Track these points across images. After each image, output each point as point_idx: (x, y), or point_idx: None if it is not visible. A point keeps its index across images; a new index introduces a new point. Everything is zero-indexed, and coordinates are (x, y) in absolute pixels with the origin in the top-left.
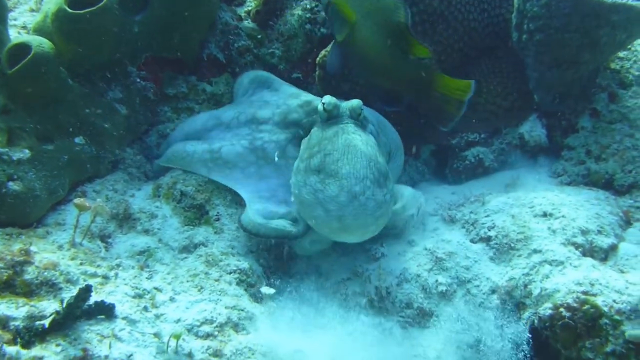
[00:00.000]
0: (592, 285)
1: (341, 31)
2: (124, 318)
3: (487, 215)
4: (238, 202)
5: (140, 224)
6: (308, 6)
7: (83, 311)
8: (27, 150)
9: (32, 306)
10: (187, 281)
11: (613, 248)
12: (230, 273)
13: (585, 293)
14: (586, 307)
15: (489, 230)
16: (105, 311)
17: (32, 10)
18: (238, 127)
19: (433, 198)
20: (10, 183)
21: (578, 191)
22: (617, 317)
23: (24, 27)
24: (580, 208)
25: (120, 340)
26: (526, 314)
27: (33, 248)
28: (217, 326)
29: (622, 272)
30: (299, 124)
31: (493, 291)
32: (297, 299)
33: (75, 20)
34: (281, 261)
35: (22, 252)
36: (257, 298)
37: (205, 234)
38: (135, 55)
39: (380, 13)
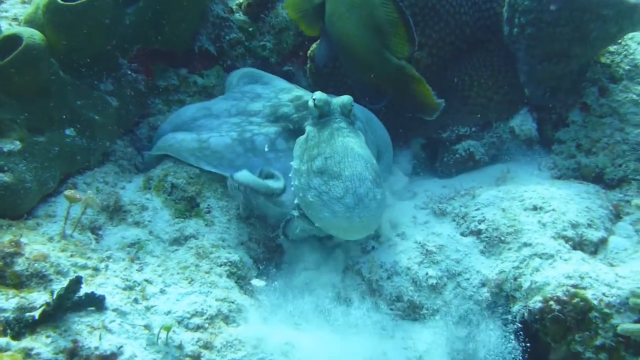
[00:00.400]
0: (582, 278)
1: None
2: (114, 310)
3: (478, 209)
4: (229, 194)
5: (130, 216)
6: None
7: (73, 303)
8: (17, 142)
9: (22, 297)
10: (178, 273)
11: (603, 241)
12: (220, 265)
13: (575, 286)
14: (576, 300)
15: (480, 224)
16: (96, 303)
17: (24, 2)
18: (228, 118)
19: (424, 191)
20: (1, 174)
21: (568, 185)
22: (606, 310)
23: (15, 19)
24: (570, 202)
25: (111, 332)
26: (516, 307)
27: (23, 239)
28: (207, 318)
29: (612, 265)
30: (288, 118)
31: (483, 284)
32: (288, 291)
33: (67, 12)
34: (272, 253)
35: (13, 243)
36: (248, 290)
37: (196, 226)
38: (126, 48)
39: (365, 7)
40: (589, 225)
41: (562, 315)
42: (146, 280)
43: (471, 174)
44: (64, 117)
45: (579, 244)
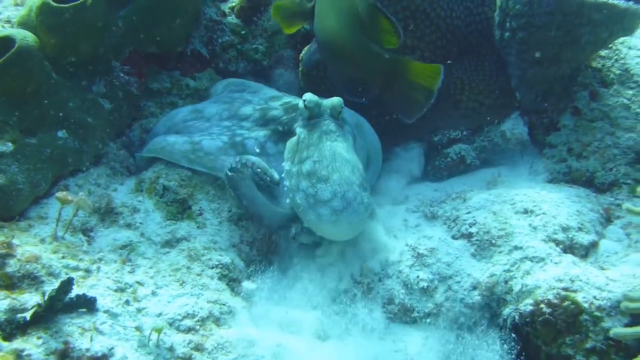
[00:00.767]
0: (573, 281)
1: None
2: (105, 311)
3: (469, 212)
4: (221, 197)
5: (122, 218)
6: None
7: (65, 304)
8: (10, 144)
9: (13, 299)
10: (169, 275)
11: (594, 245)
12: (212, 268)
13: (565, 289)
14: (566, 303)
15: (471, 227)
16: (87, 304)
17: (17, 5)
18: (220, 121)
19: (415, 195)
20: None
21: (559, 188)
22: (597, 313)
23: (8, 22)
24: (561, 205)
25: (102, 334)
26: (507, 310)
27: (15, 241)
28: (198, 320)
29: (602, 268)
30: (278, 120)
31: (474, 287)
32: (279, 295)
33: (60, 14)
34: (265, 255)
35: (4, 244)
36: (239, 292)
37: (187, 228)
38: (119, 50)
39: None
40: (580, 229)
41: (552, 318)
42: (138, 282)
43: (462, 177)
44: (57, 119)
45: (569, 248)
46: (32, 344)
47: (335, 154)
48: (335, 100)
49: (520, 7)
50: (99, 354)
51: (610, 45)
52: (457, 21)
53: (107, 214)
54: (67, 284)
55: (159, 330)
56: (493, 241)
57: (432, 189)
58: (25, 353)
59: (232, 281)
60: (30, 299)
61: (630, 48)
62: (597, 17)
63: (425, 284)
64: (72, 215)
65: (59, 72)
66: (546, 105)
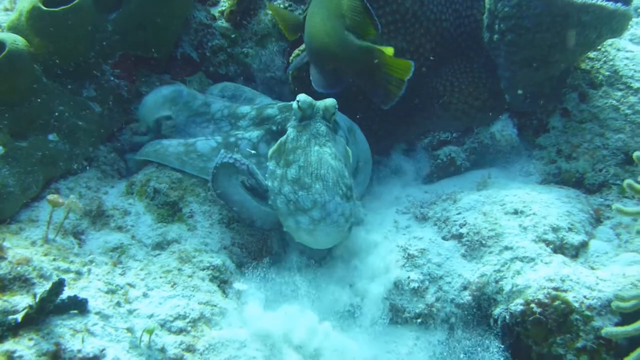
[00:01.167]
0: (563, 281)
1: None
2: (97, 313)
3: (459, 213)
4: (212, 199)
5: (113, 221)
6: (282, 6)
7: (56, 306)
8: (0, 147)
9: (4, 301)
10: (160, 277)
11: (584, 245)
12: (203, 269)
13: (556, 289)
14: (557, 302)
15: (461, 228)
16: (78, 306)
17: (7, 10)
18: (220, 120)
19: (405, 196)
20: None
21: (549, 189)
22: (587, 312)
23: None
24: (551, 206)
25: (93, 335)
26: (497, 310)
27: (6, 244)
28: (190, 321)
29: (592, 268)
30: (272, 119)
31: (465, 288)
32: (270, 296)
33: (50, 18)
34: (257, 257)
35: None
36: (230, 294)
37: (178, 230)
38: (109, 54)
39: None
40: (570, 229)
41: (543, 318)
42: (129, 284)
43: (452, 179)
44: (47, 122)
45: (559, 248)
46: (24, 346)
47: (322, 161)
48: (328, 101)
49: (509, 9)
50: (91, 355)
51: (599, 47)
52: (446, 24)
53: (98, 216)
54: (59, 285)
55: (150, 332)
56: (483, 242)
57: (422, 190)
58: (16, 354)
59: (223, 283)
60: (22, 301)
61: (618, 50)
62: (586, 18)
63: (416, 285)
64: (63, 218)
65: (50, 76)
66: (535, 107)
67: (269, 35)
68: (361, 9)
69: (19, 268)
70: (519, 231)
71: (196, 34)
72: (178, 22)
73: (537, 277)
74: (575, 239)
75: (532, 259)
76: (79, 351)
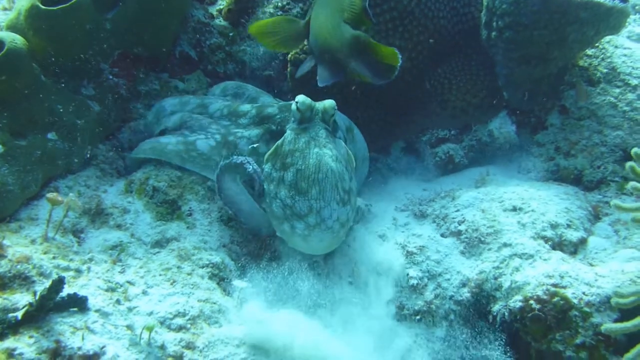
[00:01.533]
0: (562, 277)
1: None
2: (96, 311)
3: (458, 210)
4: (211, 197)
5: (112, 219)
6: (279, 4)
7: (56, 304)
8: (0, 146)
9: (5, 299)
10: (160, 275)
11: (582, 242)
12: (202, 267)
13: (555, 285)
14: (556, 299)
15: (460, 225)
16: (78, 304)
17: (5, 9)
18: (220, 119)
19: (404, 194)
20: None
21: (547, 186)
22: (586, 309)
23: None
24: (549, 202)
25: (93, 333)
26: (496, 307)
27: (6, 242)
28: (189, 319)
29: (591, 265)
30: (272, 118)
31: (463, 284)
32: (269, 293)
33: (48, 17)
34: (256, 255)
35: None
36: (229, 291)
37: (177, 228)
38: (107, 52)
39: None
40: (569, 226)
41: (542, 314)
42: (128, 282)
43: (451, 176)
44: (46, 121)
45: (558, 244)
46: (24, 343)
47: (321, 164)
48: (327, 103)
49: (507, 6)
50: (91, 353)
51: (597, 44)
52: (444, 21)
53: (97, 215)
54: (58, 283)
55: (150, 329)
56: (482, 238)
57: (421, 188)
58: (17, 352)
59: (222, 280)
60: (22, 299)
61: (616, 47)
62: (583, 15)
63: (415, 282)
64: (62, 217)
65: (48, 75)
66: (534, 104)
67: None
68: (359, 3)
69: (19, 266)
70: (518, 228)
71: (194, 33)
72: (176, 20)
73: (535, 274)
74: (573, 235)
75: (531, 256)
76: (79, 348)
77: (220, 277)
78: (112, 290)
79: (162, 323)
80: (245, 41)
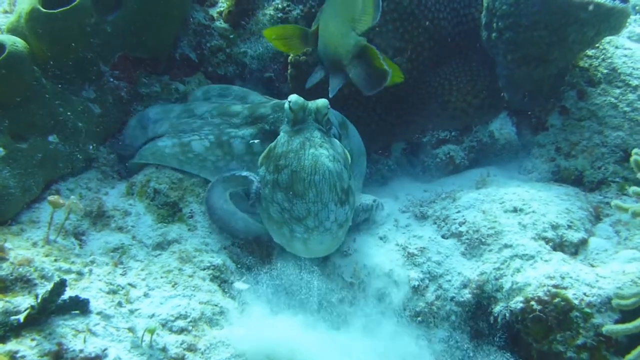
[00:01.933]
0: (563, 278)
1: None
2: (98, 313)
3: (458, 211)
4: None
5: (114, 222)
6: (280, 6)
7: (58, 306)
8: (1, 149)
9: (6, 302)
10: (161, 277)
11: (583, 242)
12: (204, 269)
13: (556, 286)
14: (557, 300)
15: (460, 226)
16: (80, 306)
17: (6, 12)
18: (211, 119)
19: (405, 195)
20: None
21: (548, 187)
22: (587, 310)
23: None
24: (550, 203)
25: (95, 335)
26: (497, 308)
27: (7, 245)
28: (191, 321)
29: (592, 266)
30: (265, 118)
31: (465, 286)
32: (270, 297)
33: (49, 20)
34: (258, 257)
35: None
36: (230, 293)
37: (178, 231)
38: (108, 55)
39: (348, 9)
40: (569, 227)
41: (543, 315)
42: (130, 284)
43: (452, 177)
44: (47, 124)
45: (559, 245)
46: (26, 346)
47: (317, 165)
48: (320, 102)
49: (506, 7)
50: (93, 355)
51: (597, 45)
52: (444, 22)
53: (99, 217)
54: (60, 285)
55: (151, 331)
56: (483, 240)
57: (421, 189)
58: (19, 355)
59: (223, 282)
60: (24, 302)
61: (617, 47)
62: (584, 16)
63: (416, 283)
64: (63, 219)
65: (49, 78)
66: (534, 105)
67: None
68: (370, 13)
69: (20, 269)
70: (519, 229)
71: (195, 35)
72: (176, 23)
73: (536, 275)
74: (574, 236)
75: (532, 257)
76: (81, 351)
77: (221, 279)
78: (114, 292)
79: (163, 325)
80: (246, 43)
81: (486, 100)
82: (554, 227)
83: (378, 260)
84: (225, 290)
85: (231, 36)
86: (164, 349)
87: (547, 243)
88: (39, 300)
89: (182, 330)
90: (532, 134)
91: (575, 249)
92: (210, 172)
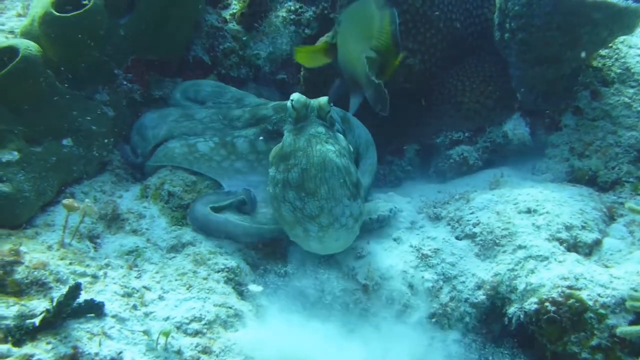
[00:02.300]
0: (577, 279)
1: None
2: (113, 316)
3: (472, 212)
4: None
5: (128, 224)
6: (292, 8)
7: (73, 309)
8: (15, 152)
9: (22, 305)
10: (176, 280)
11: (597, 243)
12: (218, 272)
13: (570, 287)
14: (571, 301)
15: (474, 227)
16: (95, 310)
17: (20, 15)
18: (211, 123)
19: (419, 196)
20: (0, 184)
21: (562, 188)
22: (602, 310)
23: (11, 32)
24: (564, 204)
25: (110, 338)
26: (512, 309)
27: (23, 248)
28: (205, 324)
29: (606, 266)
30: (268, 119)
31: (479, 287)
32: (283, 298)
33: (62, 24)
34: (271, 259)
35: (12, 252)
36: (245, 296)
37: (193, 233)
38: (121, 58)
39: (366, 26)
40: (583, 227)
41: (557, 316)
42: (145, 287)
43: (465, 178)
44: (61, 127)
45: (573, 246)
46: (42, 349)
47: (326, 161)
48: (322, 100)
49: (519, 8)
50: (108, 358)
51: (610, 45)
52: (456, 23)
53: (113, 220)
54: (75, 289)
55: (166, 334)
56: (497, 241)
57: (435, 190)
58: (35, 358)
59: (238, 285)
60: (39, 305)
61: (630, 47)
62: (596, 16)
63: (430, 284)
64: (78, 222)
65: (62, 81)
66: (547, 105)
67: (280, 37)
68: (387, 30)
69: (35, 272)
70: (533, 230)
71: (208, 37)
72: (189, 25)
73: (551, 276)
74: (588, 237)
75: (546, 258)
76: (97, 354)
77: (236, 282)
78: (129, 295)
79: (178, 328)
80: (259, 45)
81: (499, 100)
82: (568, 227)
83: (392, 262)
84: (240, 292)
85: (244, 38)
86: (179, 352)
87: (561, 244)
88: (54, 304)
89: (196, 333)
90: (546, 135)
91: (589, 250)
92: (215, 173)
